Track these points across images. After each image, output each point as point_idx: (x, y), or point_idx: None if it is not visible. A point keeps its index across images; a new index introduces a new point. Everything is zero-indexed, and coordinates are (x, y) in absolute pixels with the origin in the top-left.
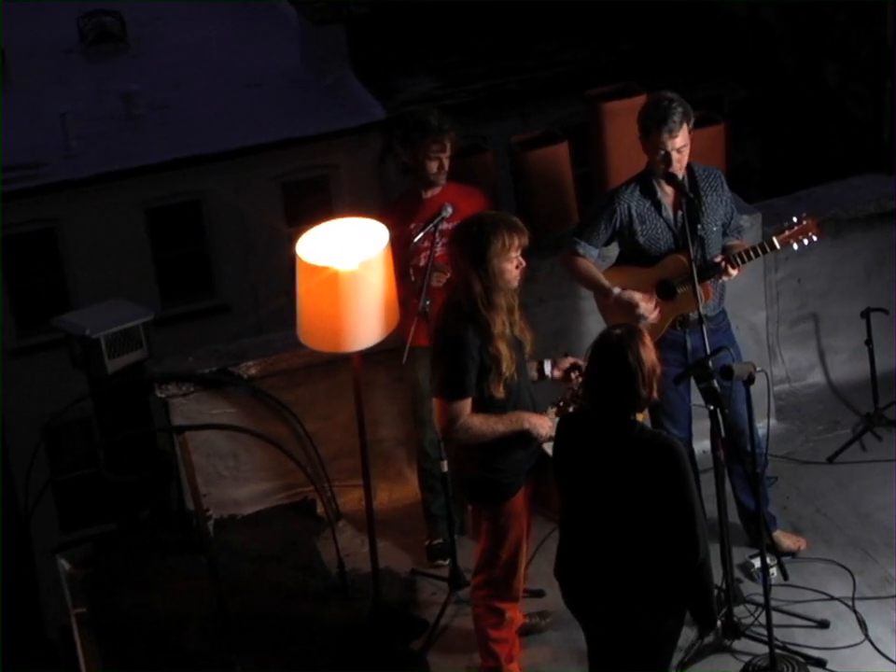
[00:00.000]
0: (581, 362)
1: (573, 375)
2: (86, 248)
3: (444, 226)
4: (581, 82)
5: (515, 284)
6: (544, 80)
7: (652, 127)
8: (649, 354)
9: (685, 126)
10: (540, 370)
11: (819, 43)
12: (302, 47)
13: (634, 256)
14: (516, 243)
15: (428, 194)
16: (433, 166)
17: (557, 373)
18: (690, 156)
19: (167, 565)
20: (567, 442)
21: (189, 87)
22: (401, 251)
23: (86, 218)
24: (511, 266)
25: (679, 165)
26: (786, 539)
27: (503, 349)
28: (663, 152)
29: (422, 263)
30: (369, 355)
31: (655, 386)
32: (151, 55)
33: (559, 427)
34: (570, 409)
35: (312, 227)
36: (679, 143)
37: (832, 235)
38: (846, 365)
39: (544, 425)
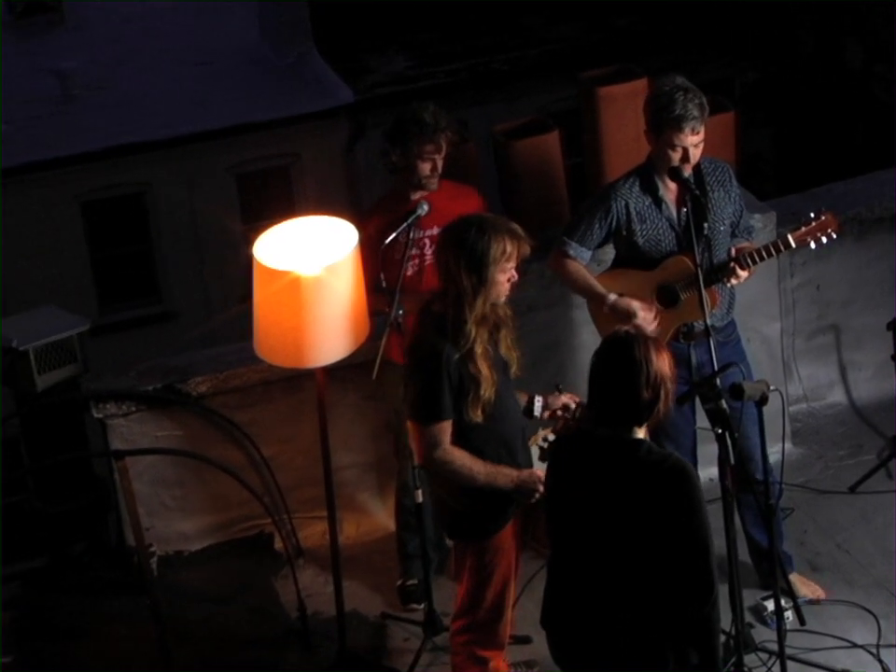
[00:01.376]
0: (574, 402)
1: (560, 414)
2: (14, 247)
3: (428, 232)
4: (574, 62)
5: (503, 299)
6: (531, 60)
7: (666, 125)
8: (661, 361)
9: (703, 119)
10: (529, 408)
11: (839, 19)
12: (260, 20)
13: (632, 259)
14: (517, 252)
15: (417, 195)
16: (426, 168)
17: (548, 414)
18: (704, 146)
19: (104, 607)
20: (562, 466)
21: (133, 64)
22: (377, 256)
23: (14, 213)
24: (504, 278)
25: (693, 162)
26: (803, 586)
27: (485, 369)
28: (681, 148)
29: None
30: (334, 371)
31: (663, 398)
32: (89, 28)
33: (553, 450)
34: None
35: (271, 224)
36: (698, 139)
37: (854, 237)
38: (870, 383)
39: (531, 491)
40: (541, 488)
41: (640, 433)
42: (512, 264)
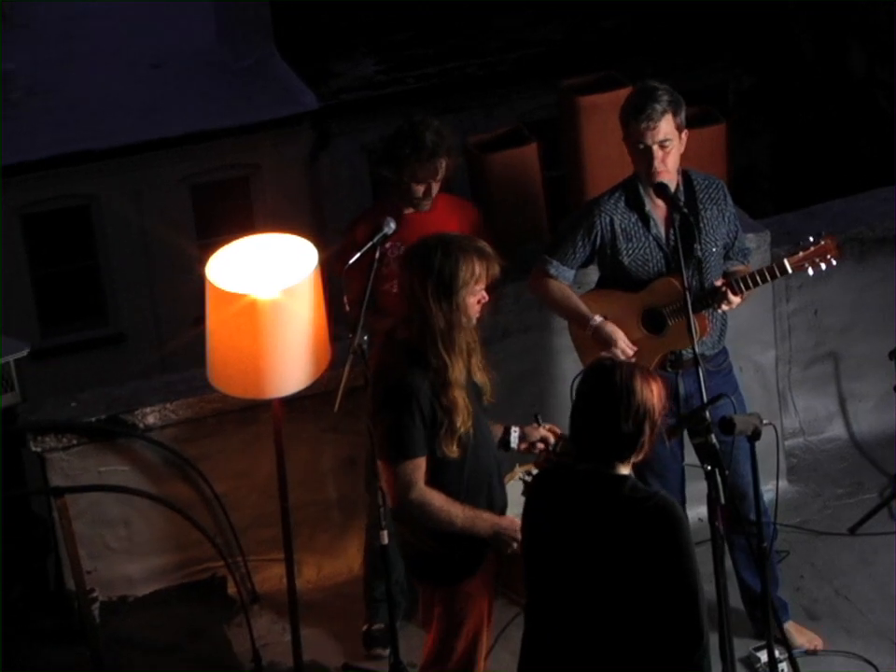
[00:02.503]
0: (554, 434)
1: (539, 447)
2: None
3: (399, 252)
4: (556, 66)
5: (474, 322)
6: (510, 64)
7: (630, 116)
8: (647, 391)
9: (670, 116)
10: (505, 440)
11: (842, 22)
12: (217, 20)
13: (617, 279)
14: (486, 273)
15: (410, 210)
16: (419, 190)
17: (524, 446)
18: (685, 161)
19: (42, 657)
20: (541, 503)
21: (79, 67)
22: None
23: None
24: (474, 301)
25: (662, 166)
26: (799, 635)
27: (459, 399)
28: (642, 146)
29: (393, 289)
30: (293, 401)
31: (648, 433)
32: (33, 27)
33: (531, 486)
34: None
35: (228, 240)
36: (661, 135)
37: (855, 258)
38: (871, 415)
39: (513, 536)
40: (520, 538)
41: (624, 469)
42: (482, 286)
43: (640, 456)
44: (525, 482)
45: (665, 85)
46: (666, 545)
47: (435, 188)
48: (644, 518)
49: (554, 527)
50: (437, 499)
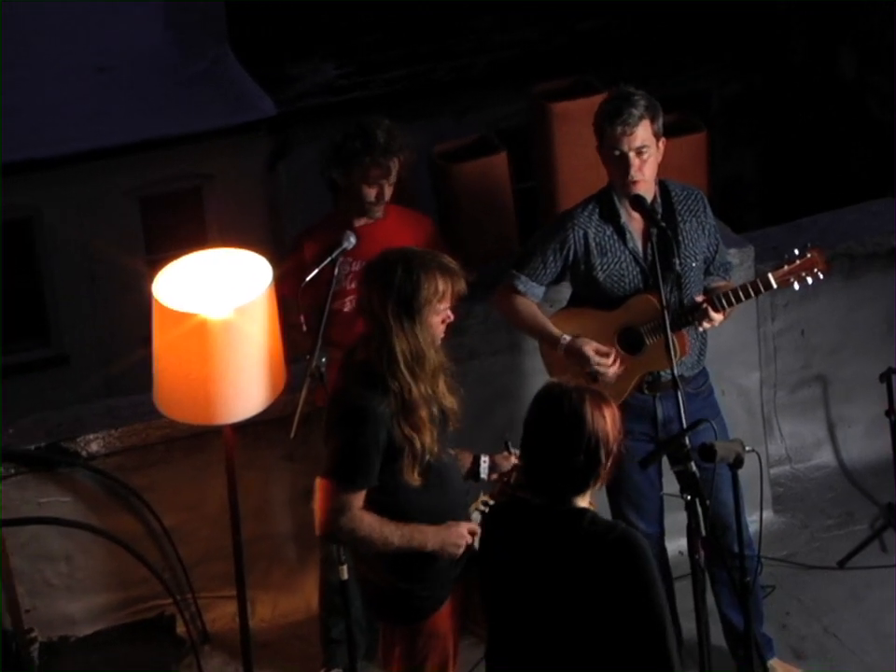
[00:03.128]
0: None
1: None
2: None
3: (358, 267)
4: (530, 71)
5: (439, 342)
6: (482, 68)
7: (605, 123)
8: (599, 418)
9: (647, 122)
10: (474, 470)
11: (832, 25)
12: (167, 20)
13: (591, 296)
14: (451, 290)
15: (360, 222)
16: (370, 193)
17: (496, 477)
18: (664, 172)
19: None
20: (497, 540)
21: (17, 70)
22: (314, 290)
23: None
24: (438, 320)
25: (639, 175)
26: None
27: (424, 423)
28: (617, 153)
29: (343, 308)
30: (246, 427)
31: (604, 463)
32: None
33: (487, 521)
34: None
35: (180, 255)
36: (638, 141)
37: (844, 275)
38: (862, 441)
39: (458, 542)
40: (469, 538)
41: (582, 501)
42: (447, 304)
43: (599, 486)
44: (482, 514)
45: (640, 90)
46: (630, 579)
47: (388, 191)
48: (605, 553)
49: (513, 565)
50: (368, 522)
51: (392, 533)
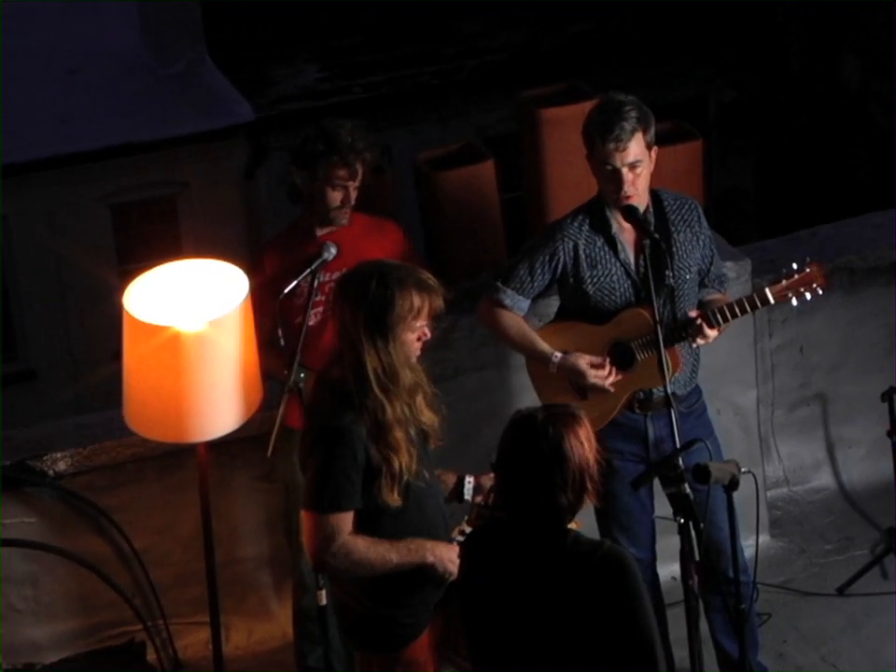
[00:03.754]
0: None
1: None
2: None
3: (336, 276)
4: (518, 76)
5: (414, 359)
6: (468, 72)
7: (596, 136)
8: (578, 447)
9: (640, 134)
10: (458, 491)
11: (834, 30)
12: (141, 21)
13: (580, 310)
14: (427, 307)
15: (325, 231)
16: (335, 198)
17: (481, 498)
18: (658, 181)
19: None
20: (477, 564)
21: None
22: (274, 303)
23: None
24: (413, 337)
25: (633, 190)
26: None
27: (401, 442)
28: (610, 168)
29: (297, 321)
30: (220, 446)
31: (590, 488)
32: None
33: (465, 544)
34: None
35: (153, 266)
36: (631, 157)
37: (844, 290)
38: (862, 463)
39: (454, 556)
40: (457, 563)
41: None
42: (423, 321)
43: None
44: (459, 543)
45: (631, 97)
46: (616, 601)
47: (353, 195)
48: (591, 573)
49: (495, 590)
50: (362, 544)
51: (388, 550)
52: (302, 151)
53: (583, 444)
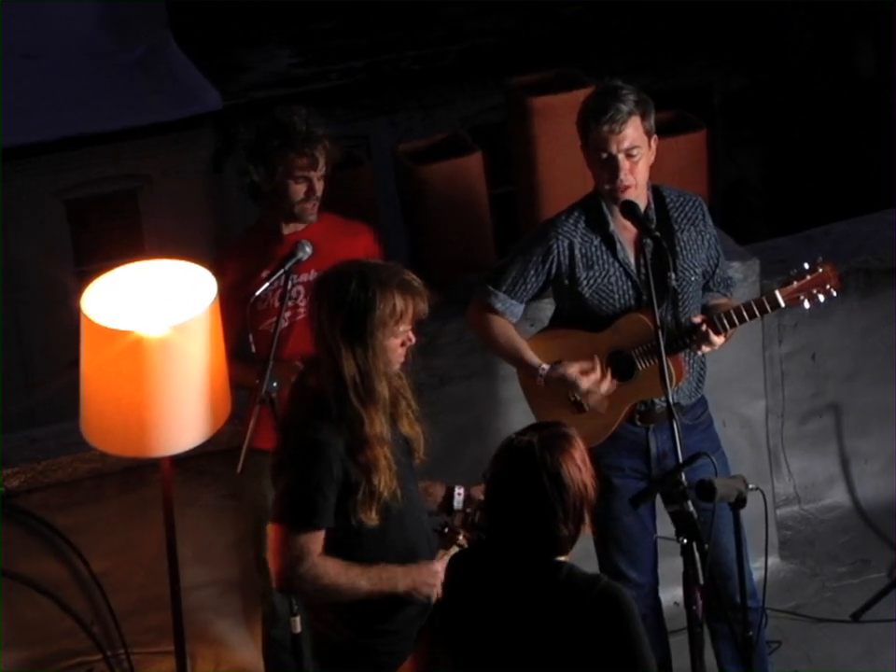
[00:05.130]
0: None
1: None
2: None
3: (303, 277)
4: (507, 62)
5: (397, 366)
6: (453, 58)
7: (590, 120)
8: (576, 472)
9: (637, 119)
10: (447, 504)
11: (846, 14)
12: (101, 3)
13: (575, 315)
14: (410, 311)
15: (291, 230)
16: (298, 191)
17: (459, 515)
18: (659, 174)
19: None
20: (463, 592)
21: None
22: (241, 311)
23: None
24: (396, 343)
25: (630, 179)
26: None
27: (381, 457)
28: (605, 155)
29: (270, 327)
30: (185, 461)
31: (587, 518)
32: None
33: (449, 569)
34: (458, 540)
35: (114, 266)
36: (628, 142)
37: (860, 292)
38: (878, 479)
39: (431, 582)
40: (442, 577)
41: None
42: (406, 326)
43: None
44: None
45: (630, 85)
46: (614, 639)
47: (318, 187)
48: (586, 611)
49: (481, 620)
50: (333, 568)
51: (359, 576)
52: (257, 146)
53: (580, 469)
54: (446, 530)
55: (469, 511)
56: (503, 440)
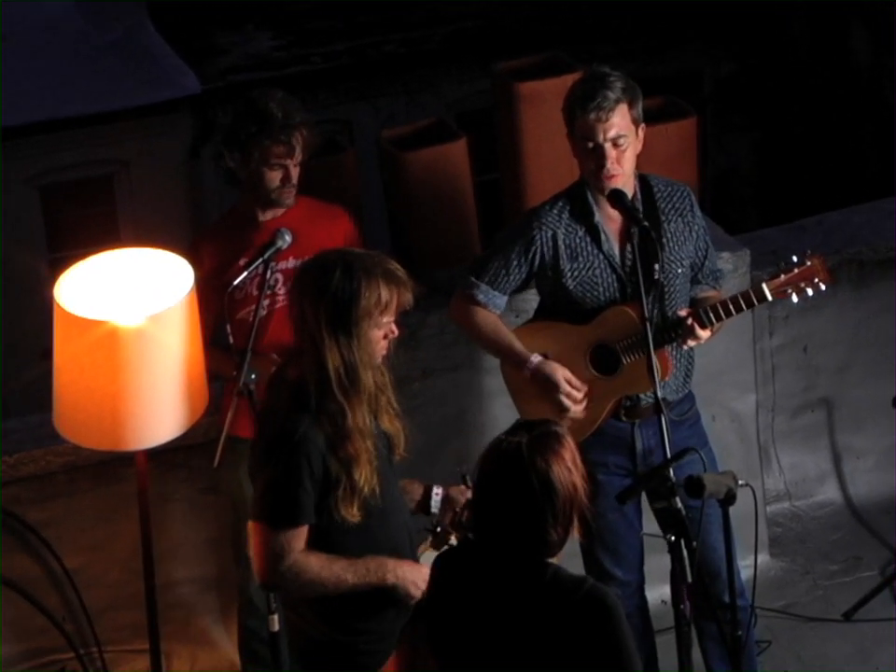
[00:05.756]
0: None
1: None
2: None
3: (282, 265)
4: (493, 46)
5: (380, 358)
6: (439, 41)
7: (577, 107)
8: (566, 474)
9: (625, 106)
10: (425, 503)
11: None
12: None
13: (559, 307)
14: (395, 301)
15: (268, 216)
16: (274, 178)
17: (450, 516)
18: (648, 163)
19: None
20: (447, 591)
21: None
22: (218, 300)
23: None
24: (380, 334)
25: (616, 168)
26: None
27: (362, 452)
28: (591, 143)
29: (250, 317)
30: (161, 454)
31: (576, 521)
32: None
33: (435, 569)
34: (450, 540)
35: (89, 254)
36: (614, 130)
37: (853, 284)
38: (871, 475)
39: (418, 581)
40: (424, 585)
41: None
42: (390, 317)
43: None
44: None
45: (617, 72)
46: (600, 641)
47: (294, 174)
48: (572, 611)
49: (466, 621)
50: (315, 562)
51: (345, 570)
52: (233, 132)
53: (570, 471)
54: (438, 529)
55: (458, 510)
56: (492, 439)
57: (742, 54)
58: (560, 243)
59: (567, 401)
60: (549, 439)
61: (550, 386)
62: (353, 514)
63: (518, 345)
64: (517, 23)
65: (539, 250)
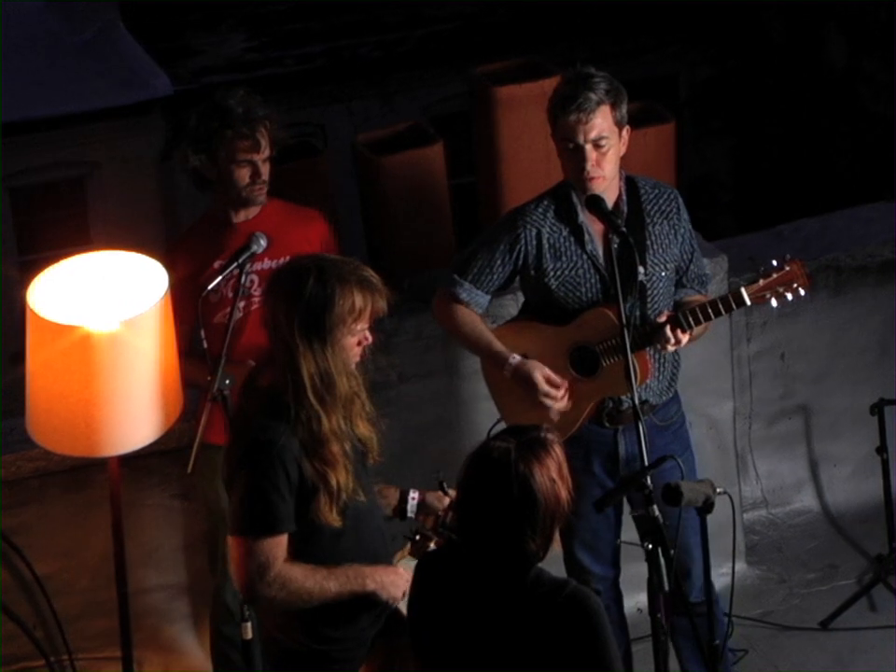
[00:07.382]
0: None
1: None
2: None
3: (257, 266)
4: (470, 48)
5: (353, 365)
6: (414, 43)
7: (558, 108)
8: (547, 483)
9: (607, 108)
10: (401, 508)
11: (817, 3)
12: None
13: (542, 307)
14: (369, 309)
15: (241, 217)
16: (243, 175)
17: (431, 521)
18: (630, 166)
19: None
20: (430, 595)
21: None
22: (194, 306)
23: None
24: (354, 341)
25: (597, 171)
26: None
27: (338, 455)
28: (572, 145)
29: (226, 320)
30: (134, 460)
31: (556, 536)
32: None
33: (417, 572)
34: (429, 547)
35: (60, 257)
36: (595, 132)
37: (830, 291)
38: (849, 483)
39: (398, 582)
40: (405, 585)
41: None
42: (364, 324)
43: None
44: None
45: (602, 73)
46: (581, 643)
47: (264, 170)
48: (554, 614)
49: (448, 624)
50: (299, 573)
51: (327, 578)
52: (196, 132)
53: (555, 481)
54: (417, 537)
55: (441, 513)
56: (470, 444)
57: (719, 59)
58: (544, 241)
59: (546, 401)
60: (536, 446)
61: (530, 387)
62: (333, 519)
63: (498, 345)
64: (493, 26)
65: (523, 248)
